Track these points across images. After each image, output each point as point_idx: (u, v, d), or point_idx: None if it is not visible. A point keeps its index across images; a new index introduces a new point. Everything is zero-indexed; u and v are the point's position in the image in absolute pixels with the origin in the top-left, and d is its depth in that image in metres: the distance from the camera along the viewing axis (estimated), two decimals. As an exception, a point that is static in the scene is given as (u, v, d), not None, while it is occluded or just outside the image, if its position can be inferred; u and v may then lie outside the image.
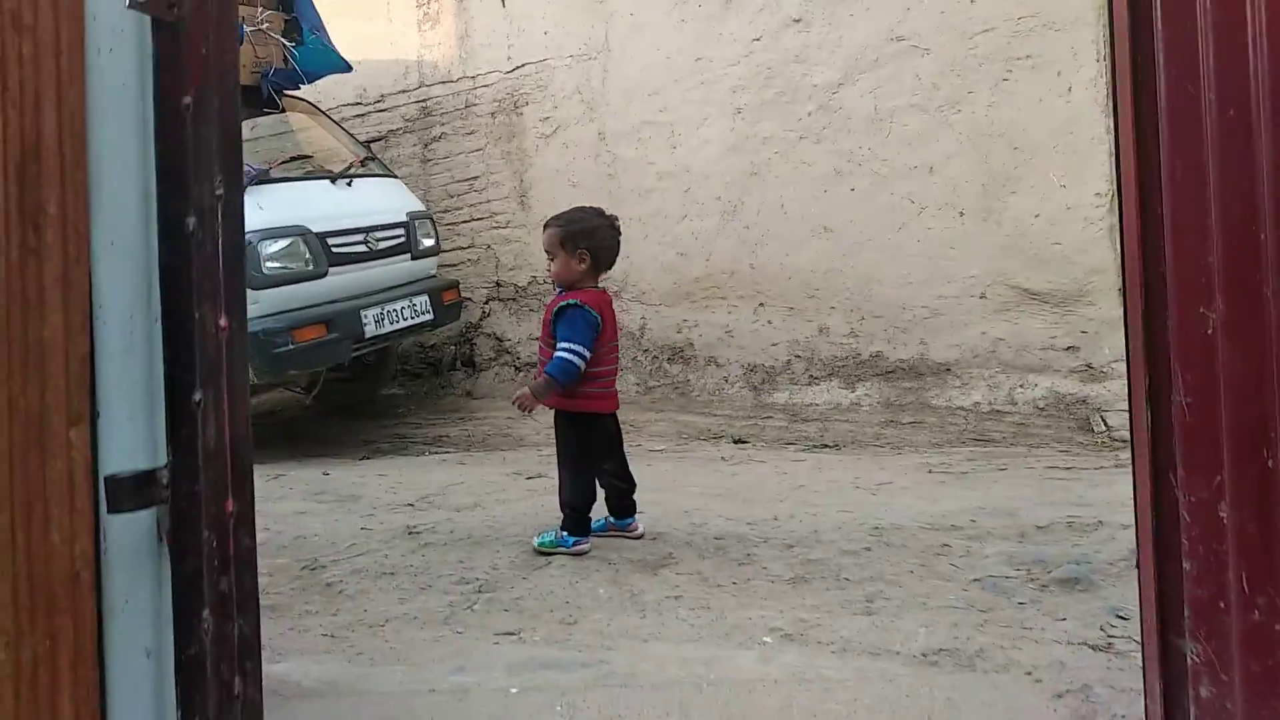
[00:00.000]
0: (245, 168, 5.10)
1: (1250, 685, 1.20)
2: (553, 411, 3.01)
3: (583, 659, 2.12)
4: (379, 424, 6.19)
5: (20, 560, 1.26)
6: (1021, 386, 5.05)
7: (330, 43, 5.94)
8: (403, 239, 5.68)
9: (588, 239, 2.95)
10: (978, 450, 4.51)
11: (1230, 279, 1.19)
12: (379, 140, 6.87)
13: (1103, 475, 3.70)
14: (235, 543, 1.09)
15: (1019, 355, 5.12)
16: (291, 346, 4.82)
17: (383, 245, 5.49)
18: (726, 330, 5.92)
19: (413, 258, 5.77)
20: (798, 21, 5.59)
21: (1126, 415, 1.46)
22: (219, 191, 1.08)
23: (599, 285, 3.02)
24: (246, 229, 5.09)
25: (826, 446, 4.83)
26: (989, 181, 5.15)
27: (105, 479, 1.08)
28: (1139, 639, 1.50)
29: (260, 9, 5.50)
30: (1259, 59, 1.14)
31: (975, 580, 2.50)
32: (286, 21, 5.77)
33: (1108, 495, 3.20)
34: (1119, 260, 1.56)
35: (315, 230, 5.05)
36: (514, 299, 6.67)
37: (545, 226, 2.98)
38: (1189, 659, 1.27)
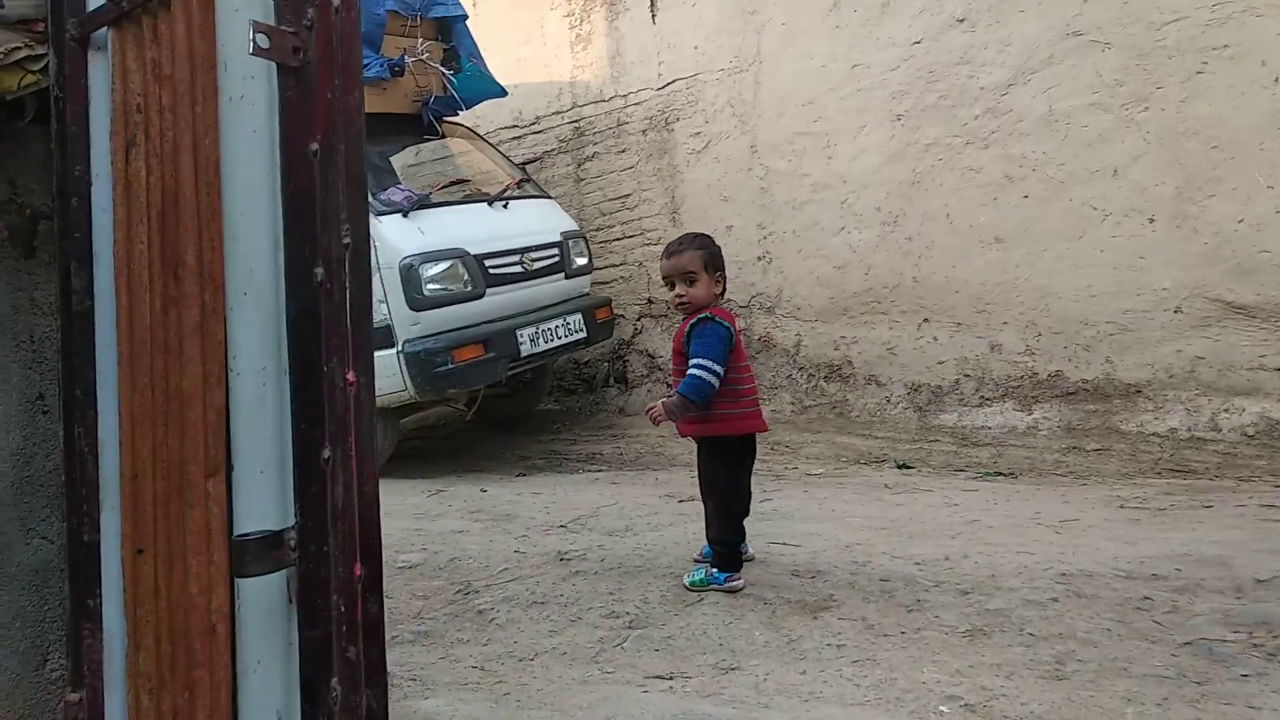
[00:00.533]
0: (407, 193, 5.28)
1: None
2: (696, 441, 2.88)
3: (738, 717, 1.98)
4: (535, 439, 6.26)
5: (163, 609, 1.25)
6: (1226, 411, 4.54)
7: (487, 69, 6.08)
8: (557, 258, 5.72)
9: (722, 261, 2.84)
10: (1176, 483, 4.07)
11: None
12: (534, 161, 6.98)
13: (1332, 516, 3.24)
14: (363, 609, 1.03)
15: (1222, 376, 4.60)
16: (451, 366, 4.92)
17: (538, 265, 5.54)
18: (888, 347, 5.64)
19: (567, 276, 5.80)
20: (962, 21, 5.27)
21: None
22: (345, 240, 1.02)
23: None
24: (409, 252, 5.20)
25: (1001, 475, 4.49)
26: (1183, 184, 4.67)
27: (232, 541, 1.05)
28: None
29: (420, 40, 5.68)
30: None
31: (1186, 644, 2.19)
32: (445, 50, 5.94)
33: (1342, 542, 2.78)
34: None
35: (473, 252, 5.15)
36: (665, 315, 6.60)
37: (674, 254, 2.81)
38: None
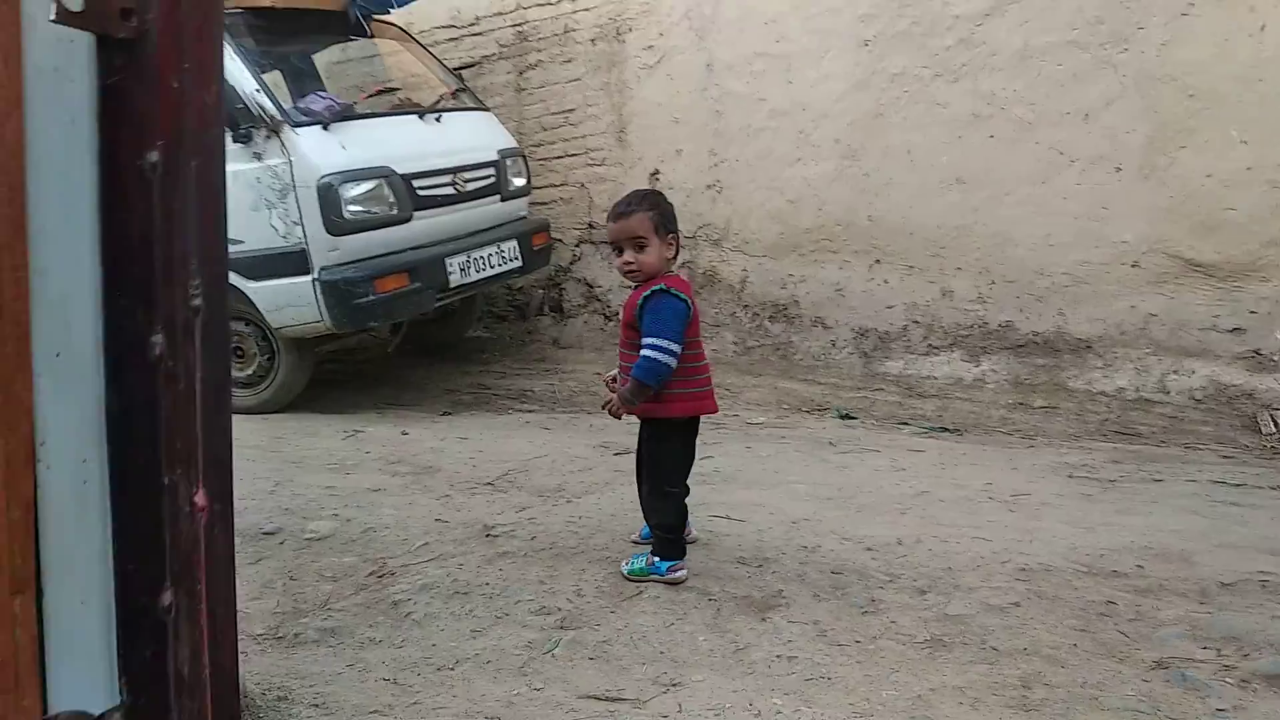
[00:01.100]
0: (329, 102, 4.75)
1: None
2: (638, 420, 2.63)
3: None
4: (462, 370, 5.95)
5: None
6: (1175, 373, 4.46)
7: (421, -39, 5.52)
8: (493, 179, 5.31)
9: (674, 220, 2.55)
10: (1123, 448, 3.99)
11: None
12: (471, 66, 6.45)
13: (1285, 499, 3.18)
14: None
15: (1174, 335, 4.51)
16: (372, 297, 4.55)
17: (471, 187, 5.14)
18: (836, 288, 5.42)
19: (502, 199, 5.42)
20: (938, -61, 4.90)
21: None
22: (196, 300, 0.71)
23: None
24: (329, 170, 4.68)
25: (946, 430, 4.36)
26: (1155, 133, 4.47)
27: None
28: None
29: (346, -76, 5.09)
30: None
31: (1156, 666, 2.06)
32: (374, -61, 5.36)
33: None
34: None
35: (400, 172, 4.72)
36: (607, 242, 6.27)
37: (622, 215, 2.49)
38: None
